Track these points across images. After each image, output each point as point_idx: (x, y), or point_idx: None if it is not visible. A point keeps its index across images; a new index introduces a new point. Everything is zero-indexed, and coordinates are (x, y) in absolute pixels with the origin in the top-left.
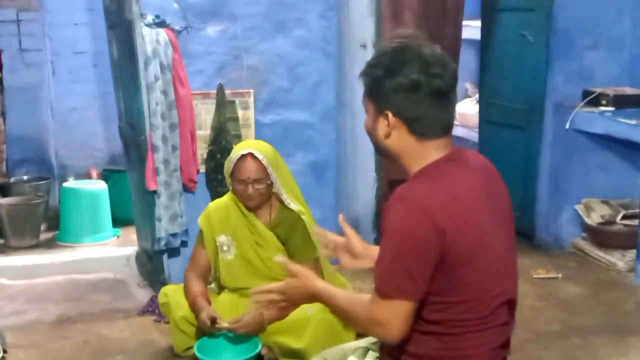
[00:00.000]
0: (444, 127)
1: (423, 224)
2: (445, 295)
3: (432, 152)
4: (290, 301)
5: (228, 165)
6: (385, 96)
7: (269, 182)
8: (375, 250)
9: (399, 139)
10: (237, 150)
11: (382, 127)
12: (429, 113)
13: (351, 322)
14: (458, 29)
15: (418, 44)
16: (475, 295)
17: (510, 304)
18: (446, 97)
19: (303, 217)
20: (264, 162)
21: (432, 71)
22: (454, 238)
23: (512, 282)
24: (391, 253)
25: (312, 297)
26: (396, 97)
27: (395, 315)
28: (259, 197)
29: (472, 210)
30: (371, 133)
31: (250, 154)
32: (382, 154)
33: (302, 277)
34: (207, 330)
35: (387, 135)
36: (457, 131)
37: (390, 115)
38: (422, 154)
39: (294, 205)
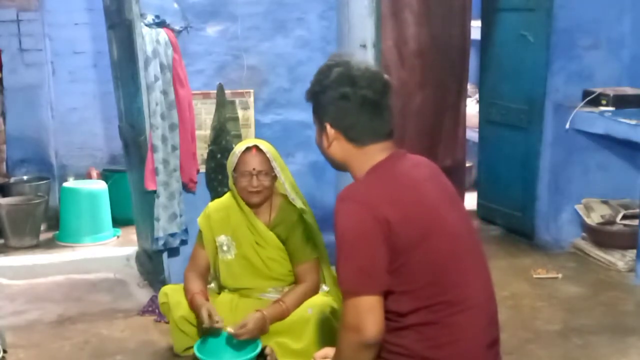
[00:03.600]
0: (380, 132)
1: (365, 219)
2: (409, 283)
3: (373, 156)
4: None
5: (232, 159)
6: (323, 110)
7: (273, 174)
8: None
9: (340, 148)
10: (242, 145)
11: (325, 139)
12: (361, 121)
13: None
14: (466, 29)
15: (348, 61)
16: (437, 276)
17: (485, 284)
18: (377, 105)
19: (305, 215)
20: (268, 156)
21: (358, 83)
22: (401, 224)
23: (479, 261)
24: (344, 253)
25: None
26: (331, 109)
27: (363, 311)
28: (262, 190)
29: (417, 194)
30: (320, 147)
31: (256, 147)
32: (333, 165)
33: None
34: (206, 325)
35: (329, 146)
36: None
37: (328, 126)
38: (364, 160)
39: (297, 202)
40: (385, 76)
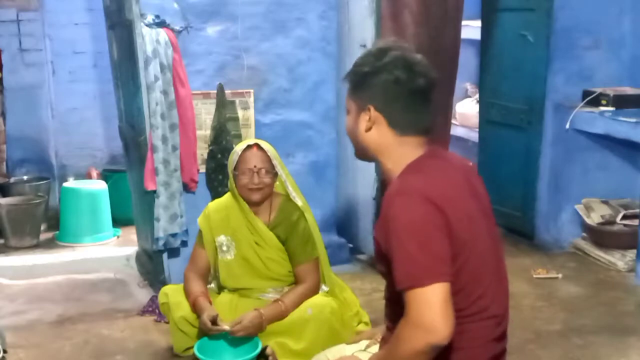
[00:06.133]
0: (423, 126)
1: (429, 209)
2: None
3: (410, 149)
4: None
5: (232, 158)
6: (370, 91)
7: (274, 172)
8: None
9: (379, 134)
10: (242, 143)
11: (363, 122)
12: (409, 109)
13: None
14: (457, 30)
15: (402, 46)
16: (468, 284)
17: (505, 298)
18: (427, 96)
19: (305, 215)
20: (269, 154)
21: (415, 69)
22: (453, 223)
23: (501, 273)
24: (410, 245)
25: None
26: (379, 92)
27: (436, 304)
28: (263, 188)
29: (460, 200)
30: (352, 132)
31: (257, 145)
32: (362, 153)
33: None
34: (208, 331)
35: (368, 129)
36: (457, 131)
37: (372, 109)
38: (399, 151)
39: (298, 200)
40: (434, 73)
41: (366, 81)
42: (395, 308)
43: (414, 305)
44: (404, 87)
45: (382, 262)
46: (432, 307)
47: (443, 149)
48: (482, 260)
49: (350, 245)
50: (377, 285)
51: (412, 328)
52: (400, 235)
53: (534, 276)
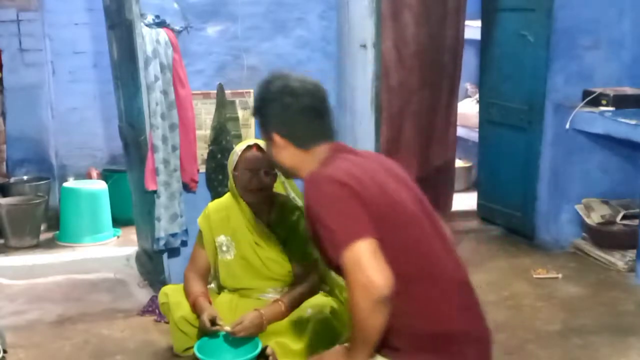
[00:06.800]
0: (324, 135)
1: (335, 187)
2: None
3: (320, 154)
4: None
5: (232, 158)
6: (268, 122)
7: (274, 172)
8: None
9: (290, 155)
10: (242, 144)
11: (274, 149)
12: (307, 127)
13: (367, 332)
14: (459, 30)
15: (286, 75)
16: (403, 250)
17: (455, 261)
18: (319, 111)
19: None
20: (269, 154)
21: (298, 92)
22: (361, 192)
23: (443, 238)
24: (327, 220)
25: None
26: (276, 120)
27: (365, 261)
28: (263, 188)
29: (368, 174)
30: (271, 157)
31: (256, 145)
32: (284, 173)
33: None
34: (208, 331)
35: (279, 155)
36: (457, 131)
37: (276, 137)
38: (312, 162)
39: (298, 201)
40: (321, 84)
41: (263, 113)
42: None
43: (347, 269)
44: (293, 110)
45: (321, 251)
46: (362, 264)
47: (346, 146)
48: (410, 225)
49: None
50: None
51: (354, 292)
52: (317, 217)
53: (534, 276)
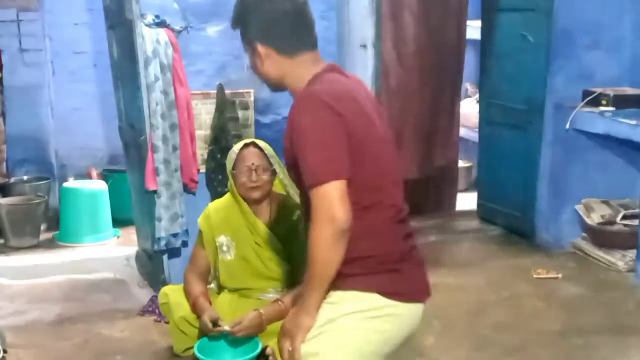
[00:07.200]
0: (307, 41)
1: (327, 113)
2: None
3: (308, 66)
4: (290, 332)
5: (231, 157)
6: (250, 31)
7: (272, 169)
8: None
9: (274, 64)
10: (240, 143)
11: (258, 60)
12: (287, 32)
13: (326, 267)
14: (461, 31)
15: None
16: (368, 179)
17: (400, 191)
18: (301, 16)
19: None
20: (266, 152)
21: None
22: (350, 122)
23: (397, 174)
24: (312, 146)
25: (302, 311)
26: (257, 28)
27: (335, 198)
28: (262, 185)
29: (358, 104)
30: (255, 70)
31: (253, 143)
32: (271, 86)
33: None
34: (208, 332)
35: (263, 65)
36: None
37: (259, 45)
38: (298, 71)
39: (297, 198)
40: None
41: (244, 23)
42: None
43: (317, 200)
44: (274, 16)
45: (293, 169)
46: (331, 200)
47: (340, 66)
48: (379, 159)
49: None
50: None
51: (317, 222)
52: (304, 139)
53: (534, 276)
